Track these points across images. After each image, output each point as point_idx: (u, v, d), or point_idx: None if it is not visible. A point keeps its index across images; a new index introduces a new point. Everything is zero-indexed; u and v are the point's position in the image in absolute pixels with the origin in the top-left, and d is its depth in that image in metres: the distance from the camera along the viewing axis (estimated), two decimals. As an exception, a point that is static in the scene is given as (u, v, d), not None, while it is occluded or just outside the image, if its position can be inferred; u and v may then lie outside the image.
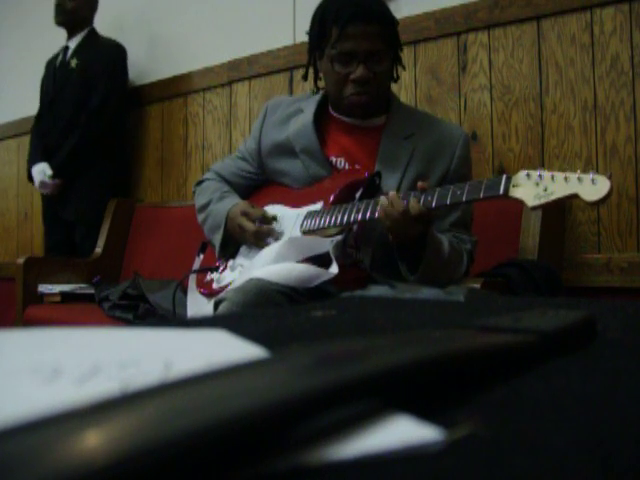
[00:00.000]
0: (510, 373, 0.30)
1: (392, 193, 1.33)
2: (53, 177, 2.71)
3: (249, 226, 1.53)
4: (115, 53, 2.83)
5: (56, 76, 2.85)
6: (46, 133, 2.82)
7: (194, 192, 1.77)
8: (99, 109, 2.72)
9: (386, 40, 1.49)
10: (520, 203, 1.19)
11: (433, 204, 1.27)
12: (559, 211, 1.78)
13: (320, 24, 1.51)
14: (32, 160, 2.82)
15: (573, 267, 1.75)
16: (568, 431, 0.23)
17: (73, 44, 2.86)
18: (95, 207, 2.75)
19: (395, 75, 1.60)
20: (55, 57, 2.92)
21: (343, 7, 1.46)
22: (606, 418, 0.25)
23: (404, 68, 1.66)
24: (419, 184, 1.32)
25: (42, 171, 2.73)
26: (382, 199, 1.34)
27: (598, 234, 1.75)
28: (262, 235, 1.52)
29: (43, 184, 2.73)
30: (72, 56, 2.83)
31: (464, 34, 1.99)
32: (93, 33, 2.88)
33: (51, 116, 2.81)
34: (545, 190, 1.15)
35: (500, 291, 1.42)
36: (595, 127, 1.76)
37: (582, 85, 1.78)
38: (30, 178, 2.82)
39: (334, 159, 1.56)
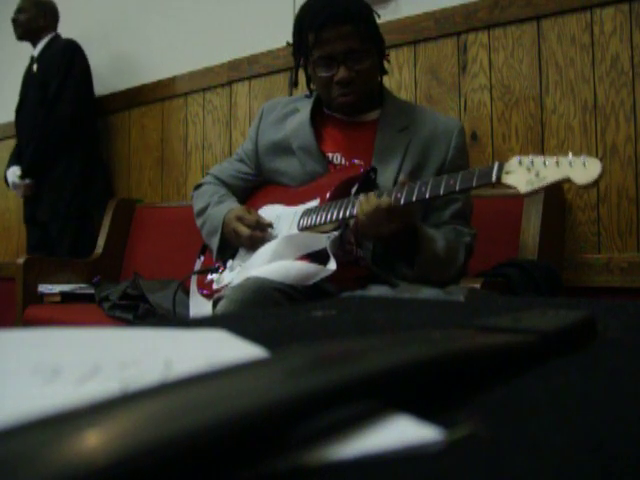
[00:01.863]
0: (510, 373, 0.30)
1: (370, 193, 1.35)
2: (22, 177, 2.78)
3: (244, 231, 1.53)
4: (67, 48, 2.86)
5: (23, 86, 2.95)
6: (18, 140, 2.93)
7: (192, 196, 1.77)
8: (54, 101, 2.76)
9: (363, 38, 1.49)
10: (513, 189, 1.18)
11: (427, 195, 1.27)
12: (559, 211, 1.78)
13: (298, 32, 1.54)
14: (7, 165, 2.92)
15: (573, 267, 1.75)
16: (568, 431, 0.23)
17: (36, 52, 2.93)
18: (64, 204, 2.78)
19: (383, 69, 1.61)
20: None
21: (317, 13, 1.48)
22: (606, 418, 0.25)
23: (389, 62, 1.66)
24: (400, 178, 1.33)
25: (13, 173, 2.82)
26: (360, 198, 1.35)
27: (598, 234, 1.75)
28: (256, 240, 1.52)
29: (14, 185, 2.83)
30: (34, 62, 2.90)
31: (464, 34, 1.99)
32: (55, 38, 2.93)
33: (18, 123, 2.92)
34: (537, 175, 1.14)
35: (500, 291, 1.42)
36: (595, 127, 1.75)
37: (582, 85, 1.78)
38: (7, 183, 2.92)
39: (330, 155, 1.56)
